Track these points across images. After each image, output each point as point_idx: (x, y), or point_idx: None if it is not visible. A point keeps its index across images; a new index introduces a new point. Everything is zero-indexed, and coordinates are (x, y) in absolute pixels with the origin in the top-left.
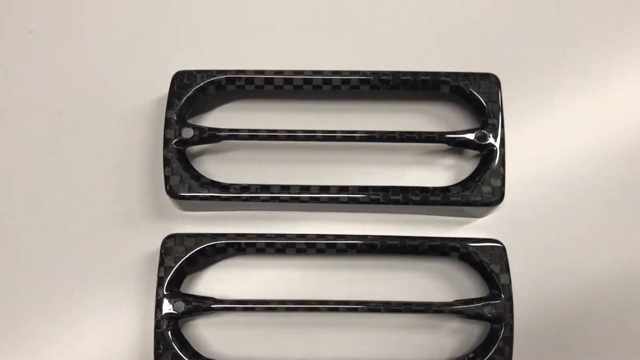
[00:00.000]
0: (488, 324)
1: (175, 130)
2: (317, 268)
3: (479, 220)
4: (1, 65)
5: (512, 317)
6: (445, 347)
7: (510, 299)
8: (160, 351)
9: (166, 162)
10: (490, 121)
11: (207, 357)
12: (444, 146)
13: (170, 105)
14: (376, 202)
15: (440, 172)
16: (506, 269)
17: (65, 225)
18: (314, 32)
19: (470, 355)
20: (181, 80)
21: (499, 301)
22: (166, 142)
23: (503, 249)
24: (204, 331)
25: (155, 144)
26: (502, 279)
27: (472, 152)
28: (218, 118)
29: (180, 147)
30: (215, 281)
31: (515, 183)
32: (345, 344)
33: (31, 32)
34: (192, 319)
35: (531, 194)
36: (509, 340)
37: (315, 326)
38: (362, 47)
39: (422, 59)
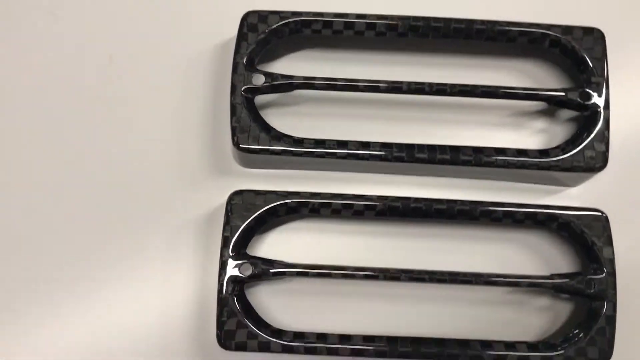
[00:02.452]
0: (580, 303)
1: (244, 76)
2: (396, 236)
3: (571, 190)
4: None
5: (615, 294)
6: (530, 326)
7: (613, 274)
8: (224, 318)
9: (233, 111)
10: (594, 79)
11: (275, 326)
12: (535, 107)
13: (238, 48)
14: (467, 163)
15: (529, 136)
16: (609, 241)
17: (119, 179)
18: None
19: (575, 331)
20: (252, 21)
21: (601, 276)
22: (233, 88)
23: (606, 219)
24: (267, 300)
25: (218, 94)
26: (606, 252)
27: (564, 116)
28: (286, 69)
29: (249, 96)
30: (281, 246)
31: (616, 149)
32: (423, 318)
33: None
34: (256, 285)
35: (633, 162)
36: (611, 319)
37: (392, 298)
38: None
39: (511, 8)
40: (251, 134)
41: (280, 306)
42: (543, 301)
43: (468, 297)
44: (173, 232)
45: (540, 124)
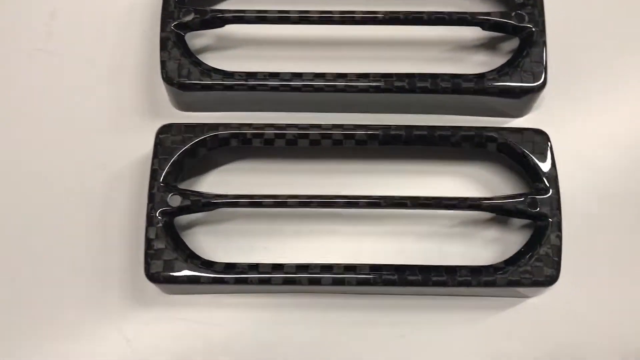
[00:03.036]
0: (529, 234)
1: (174, 12)
2: (332, 172)
3: (516, 121)
4: None
5: (560, 213)
6: (479, 259)
7: (557, 193)
8: (152, 251)
9: (163, 47)
10: (527, 2)
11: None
12: (473, 41)
13: None
14: (402, 90)
15: (471, 68)
16: (551, 160)
17: (56, 127)
18: None
19: (520, 252)
20: None
21: (545, 196)
22: (164, 24)
23: (547, 138)
24: (202, 238)
25: (155, 41)
26: (548, 171)
27: (505, 49)
28: None
29: (180, 32)
30: (216, 187)
31: (558, 72)
32: (364, 252)
33: None
34: (189, 226)
35: (577, 87)
36: (557, 240)
37: (330, 234)
38: None
39: None
40: (181, 68)
41: (217, 247)
42: (491, 233)
43: (412, 231)
44: (109, 177)
45: (481, 57)
